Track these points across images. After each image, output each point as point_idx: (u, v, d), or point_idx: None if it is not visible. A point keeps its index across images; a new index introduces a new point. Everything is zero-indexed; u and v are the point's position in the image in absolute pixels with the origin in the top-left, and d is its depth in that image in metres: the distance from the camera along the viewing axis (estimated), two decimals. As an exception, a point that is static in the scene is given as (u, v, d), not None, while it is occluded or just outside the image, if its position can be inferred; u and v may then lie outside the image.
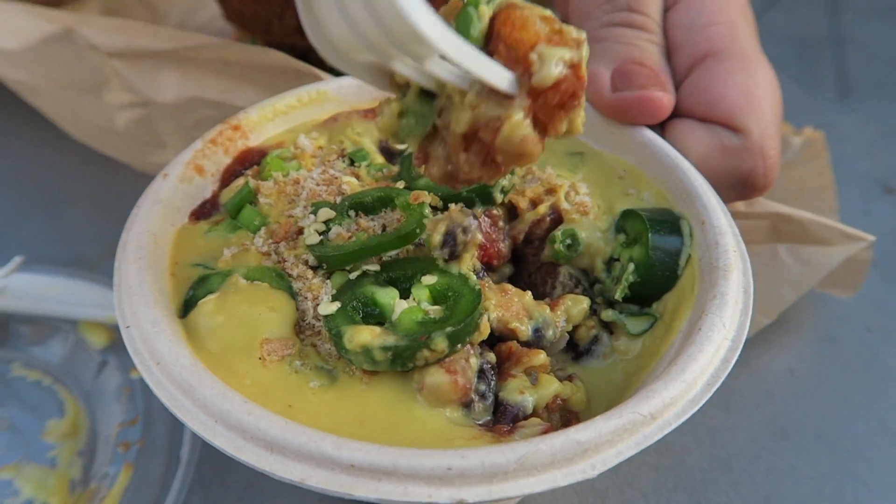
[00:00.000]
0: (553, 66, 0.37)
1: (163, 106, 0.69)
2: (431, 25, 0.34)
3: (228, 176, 0.55)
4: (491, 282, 0.48)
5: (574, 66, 0.37)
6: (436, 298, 0.43)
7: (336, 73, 0.57)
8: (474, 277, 0.44)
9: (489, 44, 0.38)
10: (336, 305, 0.42)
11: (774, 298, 0.64)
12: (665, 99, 0.53)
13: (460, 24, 0.38)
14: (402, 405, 0.41)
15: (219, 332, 0.43)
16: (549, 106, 0.38)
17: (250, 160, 0.56)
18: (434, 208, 0.48)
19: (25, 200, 0.80)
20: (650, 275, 0.48)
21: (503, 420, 0.42)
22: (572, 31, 0.39)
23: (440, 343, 0.40)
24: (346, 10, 0.35)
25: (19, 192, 0.81)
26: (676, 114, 0.55)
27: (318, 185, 0.52)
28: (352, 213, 0.49)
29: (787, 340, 0.70)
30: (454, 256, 0.45)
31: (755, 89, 0.53)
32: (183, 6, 0.97)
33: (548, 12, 0.39)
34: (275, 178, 0.52)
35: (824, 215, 0.76)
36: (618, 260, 0.50)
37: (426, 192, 0.47)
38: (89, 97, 0.74)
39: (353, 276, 0.45)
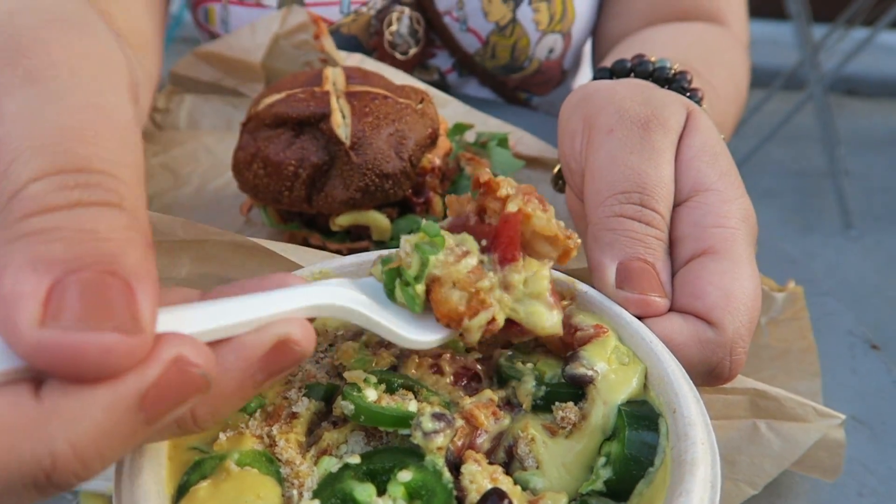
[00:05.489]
0: (478, 333, 0.49)
1: (177, 280, 0.75)
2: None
3: (229, 356, 0.59)
4: (484, 461, 0.49)
5: (492, 321, 0.49)
6: (411, 494, 0.45)
7: (323, 249, 0.64)
8: (448, 475, 0.46)
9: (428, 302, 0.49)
10: (315, 504, 0.45)
11: (758, 471, 0.65)
12: (662, 306, 0.58)
13: (407, 300, 0.49)
14: None
15: (208, 522, 0.45)
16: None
17: (251, 339, 0.60)
18: None
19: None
20: (625, 472, 0.49)
21: None
22: (485, 284, 0.49)
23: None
24: None
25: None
26: None
27: (313, 364, 0.55)
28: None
29: (777, 510, 0.70)
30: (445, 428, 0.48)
31: (737, 292, 0.57)
32: (202, 172, 1.05)
33: (463, 272, 0.49)
34: (272, 358, 0.56)
35: (806, 380, 0.78)
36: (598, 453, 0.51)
37: None
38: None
39: (335, 468, 0.47)
